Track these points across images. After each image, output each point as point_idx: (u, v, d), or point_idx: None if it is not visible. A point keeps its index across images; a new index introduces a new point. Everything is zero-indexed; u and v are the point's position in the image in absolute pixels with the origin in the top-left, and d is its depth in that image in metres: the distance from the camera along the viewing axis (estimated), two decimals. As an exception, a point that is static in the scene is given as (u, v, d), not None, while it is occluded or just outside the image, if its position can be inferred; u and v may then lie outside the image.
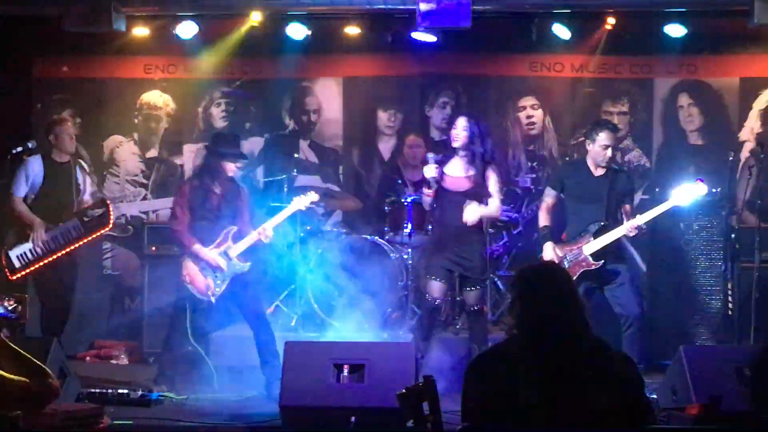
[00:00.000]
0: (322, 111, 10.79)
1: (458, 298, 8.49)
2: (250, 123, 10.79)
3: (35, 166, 8.48)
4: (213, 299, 7.92)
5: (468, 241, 7.72)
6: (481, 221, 7.79)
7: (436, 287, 7.68)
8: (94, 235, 8.56)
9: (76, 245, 8.47)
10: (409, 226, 9.20)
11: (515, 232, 10.06)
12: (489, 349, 3.84)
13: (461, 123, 7.71)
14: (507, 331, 3.80)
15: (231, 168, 8.03)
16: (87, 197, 8.73)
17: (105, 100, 10.71)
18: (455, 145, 7.69)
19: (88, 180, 8.89)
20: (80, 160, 8.92)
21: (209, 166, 8.06)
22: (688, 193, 7.76)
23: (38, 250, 8.31)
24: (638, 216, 7.73)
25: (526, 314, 3.72)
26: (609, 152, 7.77)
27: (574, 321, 3.71)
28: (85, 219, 8.47)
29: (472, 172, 7.68)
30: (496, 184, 7.74)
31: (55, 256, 8.36)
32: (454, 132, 7.73)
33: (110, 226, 8.62)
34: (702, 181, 7.88)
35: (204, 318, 8.05)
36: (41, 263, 8.35)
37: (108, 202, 8.74)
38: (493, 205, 7.76)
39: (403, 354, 6.87)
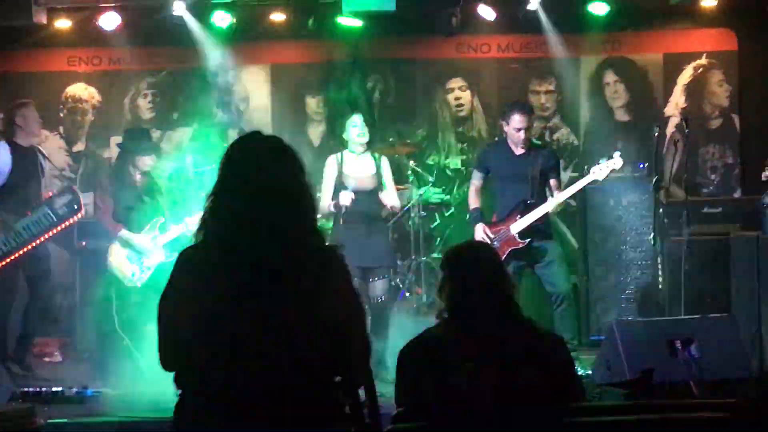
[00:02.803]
0: (249, 99, 10.72)
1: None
2: (178, 113, 10.69)
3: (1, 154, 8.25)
4: (138, 284, 7.89)
5: (374, 233, 7.74)
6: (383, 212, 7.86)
7: None
8: (66, 223, 8.31)
9: (49, 234, 8.23)
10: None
11: (447, 213, 10.10)
12: (421, 333, 3.80)
13: (360, 124, 7.71)
14: (437, 314, 3.77)
15: (146, 162, 8.03)
16: (50, 183, 8.57)
17: (29, 94, 10.53)
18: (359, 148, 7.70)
19: (48, 165, 8.74)
20: (38, 146, 8.74)
21: (125, 161, 8.07)
22: (605, 167, 7.83)
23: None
24: (557, 194, 7.79)
25: (453, 295, 3.70)
26: (523, 134, 7.79)
27: (502, 301, 3.68)
28: (56, 207, 8.24)
29: (373, 169, 7.72)
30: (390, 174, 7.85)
31: (28, 247, 8.12)
32: (355, 129, 7.74)
33: (83, 212, 8.39)
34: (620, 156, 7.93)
35: (135, 309, 7.97)
36: (15, 255, 8.11)
37: (74, 188, 8.58)
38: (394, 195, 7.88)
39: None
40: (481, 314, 3.62)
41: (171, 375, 3.22)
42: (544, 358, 3.55)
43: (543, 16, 9.88)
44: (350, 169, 7.71)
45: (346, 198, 7.56)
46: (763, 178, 6.34)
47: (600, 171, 7.82)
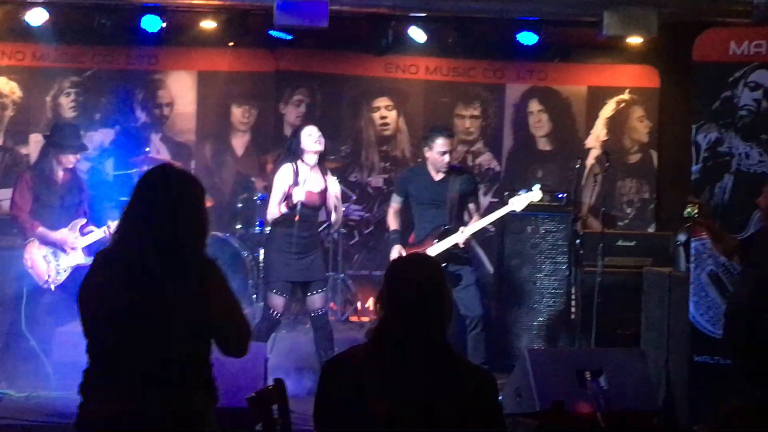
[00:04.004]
0: (174, 104, 10.65)
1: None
2: (100, 114, 10.56)
3: None
4: (52, 287, 7.76)
5: (312, 249, 7.74)
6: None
7: (279, 302, 7.64)
8: None
9: None
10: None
11: (367, 231, 10.13)
12: (345, 351, 3.68)
13: (316, 134, 7.66)
14: (366, 332, 3.67)
15: (70, 159, 7.89)
16: None
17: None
18: (313, 158, 7.65)
19: None
20: None
21: (48, 156, 7.90)
22: (524, 199, 7.90)
23: None
24: (471, 224, 7.83)
25: (384, 312, 3.57)
26: (446, 158, 7.83)
27: (432, 327, 3.55)
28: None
29: (322, 186, 7.70)
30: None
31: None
32: (310, 139, 7.67)
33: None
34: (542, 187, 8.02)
35: (45, 311, 7.85)
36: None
37: None
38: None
39: (254, 355, 6.80)
40: (408, 338, 3.49)
41: (75, 379, 3.87)
42: (469, 391, 3.46)
43: (472, 42, 9.96)
44: (303, 183, 7.62)
45: (300, 193, 7.48)
46: (685, 215, 6.46)
47: (518, 202, 7.87)
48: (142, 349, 3.76)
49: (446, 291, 3.64)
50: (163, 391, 3.77)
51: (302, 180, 7.52)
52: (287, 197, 7.49)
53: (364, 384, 3.44)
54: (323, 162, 7.67)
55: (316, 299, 7.72)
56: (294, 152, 7.61)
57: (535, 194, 7.88)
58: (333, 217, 7.79)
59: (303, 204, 7.47)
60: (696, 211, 6.40)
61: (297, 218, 7.44)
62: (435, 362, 3.48)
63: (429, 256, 3.77)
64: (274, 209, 7.60)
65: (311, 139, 7.60)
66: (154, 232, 3.83)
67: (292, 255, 7.53)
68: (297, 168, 7.57)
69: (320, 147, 7.60)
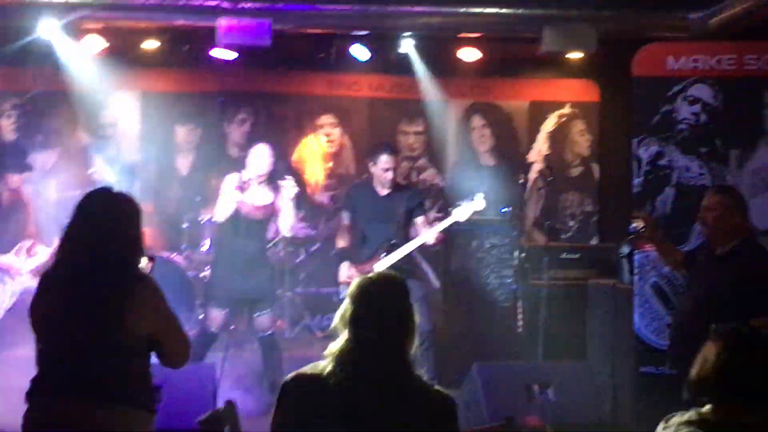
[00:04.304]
0: (118, 125, 10.59)
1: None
2: (42, 136, 10.47)
3: None
4: (1, 313, 7.69)
5: (258, 265, 7.74)
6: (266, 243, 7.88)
7: (217, 316, 7.63)
8: None
9: None
10: (207, 243, 9.12)
11: (313, 248, 10.14)
12: (305, 369, 3.59)
13: (265, 153, 7.69)
14: (326, 353, 3.55)
15: (15, 180, 7.82)
16: None
17: None
18: (258, 173, 7.65)
19: None
20: None
21: None
22: (467, 208, 7.96)
23: None
24: (422, 235, 7.89)
25: (349, 334, 3.52)
26: (390, 174, 7.89)
27: (396, 349, 3.51)
28: None
29: (269, 201, 7.71)
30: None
31: None
32: (261, 159, 7.69)
33: None
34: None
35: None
36: None
37: None
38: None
39: (204, 375, 6.79)
40: (370, 360, 3.44)
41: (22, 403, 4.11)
42: (429, 416, 3.44)
43: (415, 59, 10.03)
44: (247, 197, 7.63)
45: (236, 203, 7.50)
46: (631, 229, 6.54)
47: (462, 212, 7.93)
48: (74, 363, 3.98)
49: (411, 313, 3.58)
50: (92, 403, 3.96)
51: (248, 191, 7.55)
52: (232, 206, 7.51)
53: (323, 404, 3.42)
54: (274, 179, 7.68)
55: (262, 320, 7.73)
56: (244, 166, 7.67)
57: (478, 203, 7.94)
58: (281, 224, 7.77)
59: (247, 215, 7.49)
60: (642, 225, 6.49)
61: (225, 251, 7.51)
62: (396, 385, 3.45)
63: (395, 276, 3.71)
64: (218, 215, 7.61)
65: (259, 158, 7.63)
66: (87, 252, 4.06)
67: (237, 271, 7.53)
68: (243, 179, 7.59)
69: (267, 167, 7.63)
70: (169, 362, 4.25)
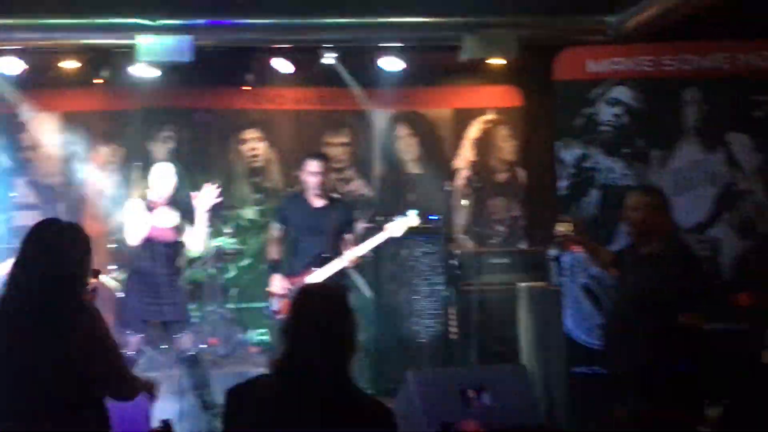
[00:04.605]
0: (39, 147, 10.44)
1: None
2: (-39, 161, 10.31)
3: None
4: None
5: (170, 287, 7.68)
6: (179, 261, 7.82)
7: (133, 341, 7.57)
8: None
9: None
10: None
11: (243, 264, 10.09)
12: (250, 380, 3.61)
13: (166, 171, 7.65)
14: (269, 364, 3.61)
15: None
16: None
17: None
18: (161, 194, 7.62)
19: None
20: None
21: None
22: (401, 224, 8.00)
23: None
24: (355, 249, 7.90)
25: (287, 340, 3.53)
26: (317, 179, 7.90)
27: (338, 360, 3.52)
28: None
29: (178, 221, 7.66)
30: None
31: None
32: (163, 180, 7.62)
33: None
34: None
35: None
36: None
37: None
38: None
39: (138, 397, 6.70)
40: (311, 371, 3.44)
41: None
42: (368, 427, 3.45)
43: (338, 70, 10.03)
44: (155, 219, 7.58)
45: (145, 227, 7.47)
46: (559, 233, 6.61)
47: (396, 228, 7.97)
48: (19, 393, 4.02)
49: (353, 324, 3.59)
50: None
51: (155, 213, 7.50)
52: (145, 228, 7.47)
53: (265, 415, 3.42)
54: (179, 199, 7.65)
55: (182, 341, 7.67)
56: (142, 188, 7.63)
57: (412, 219, 7.98)
58: (191, 243, 7.74)
59: (155, 238, 7.47)
60: (570, 228, 6.56)
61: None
62: (336, 397, 3.45)
63: (336, 287, 3.71)
64: (131, 238, 7.56)
65: (162, 178, 7.59)
66: (31, 280, 4.14)
67: (149, 295, 7.49)
68: (145, 205, 7.55)
69: (170, 187, 7.58)
70: (116, 394, 4.30)
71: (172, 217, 7.59)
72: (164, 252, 7.55)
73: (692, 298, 5.93)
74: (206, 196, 7.62)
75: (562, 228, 6.55)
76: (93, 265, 4.35)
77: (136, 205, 7.56)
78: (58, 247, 4.21)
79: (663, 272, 6.01)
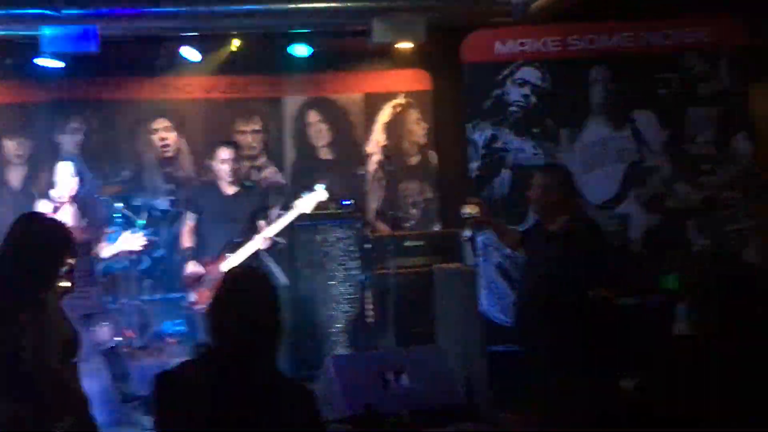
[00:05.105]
0: (-57, 142, 10.24)
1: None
2: None
3: None
4: None
5: (84, 282, 7.59)
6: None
7: None
8: None
9: None
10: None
11: (157, 254, 10.01)
12: (176, 366, 3.59)
13: (66, 170, 7.59)
14: (194, 348, 3.59)
15: None
16: None
17: None
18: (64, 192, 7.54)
19: None
20: None
21: None
22: (310, 199, 8.00)
23: None
24: (267, 228, 7.90)
25: (212, 323, 3.52)
26: (227, 166, 7.91)
27: (263, 345, 3.50)
28: None
29: (83, 222, 7.58)
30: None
31: None
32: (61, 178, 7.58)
33: None
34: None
35: None
36: None
37: None
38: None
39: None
40: (236, 355, 3.45)
41: None
42: (292, 410, 3.44)
43: (248, 58, 9.99)
44: (61, 218, 7.46)
45: None
46: (465, 215, 6.70)
47: (305, 204, 7.97)
48: None
49: (279, 308, 3.57)
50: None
51: (60, 212, 7.44)
52: None
53: (195, 401, 3.41)
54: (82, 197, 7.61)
55: (99, 334, 7.62)
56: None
57: (320, 193, 7.99)
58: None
59: None
60: (476, 210, 6.65)
61: None
62: (262, 383, 3.46)
63: (261, 272, 3.70)
64: None
65: (63, 176, 7.54)
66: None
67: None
68: (52, 200, 7.51)
69: (73, 185, 7.51)
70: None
71: (77, 217, 7.52)
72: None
73: (600, 273, 6.06)
74: (132, 242, 7.62)
75: (468, 209, 6.64)
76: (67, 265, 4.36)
77: (42, 206, 7.49)
78: (16, 239, 4.29)
79: (570, 249, 6.14)
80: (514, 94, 7.82)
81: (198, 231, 8.04)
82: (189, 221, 8.07)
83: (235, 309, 3.52)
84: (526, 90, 7.80)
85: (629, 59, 7.77)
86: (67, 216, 7.45)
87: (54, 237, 4.37)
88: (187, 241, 8.04)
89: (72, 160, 7.81)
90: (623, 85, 7.76)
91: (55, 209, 7.45)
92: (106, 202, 9.49)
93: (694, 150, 7.70)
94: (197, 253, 7.96)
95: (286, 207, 10.27)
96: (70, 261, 4.38)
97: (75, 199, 7.58)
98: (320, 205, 8.12)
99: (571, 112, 7.79)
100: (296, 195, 8.18)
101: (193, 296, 7.75)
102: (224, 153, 7.89)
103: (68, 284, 4.40)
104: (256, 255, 7.92)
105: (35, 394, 4.09)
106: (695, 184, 7.64)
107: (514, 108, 7.81)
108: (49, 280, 4.29)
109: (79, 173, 7.62)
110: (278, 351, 3.54)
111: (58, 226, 4.46)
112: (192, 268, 7.82)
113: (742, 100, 7.76)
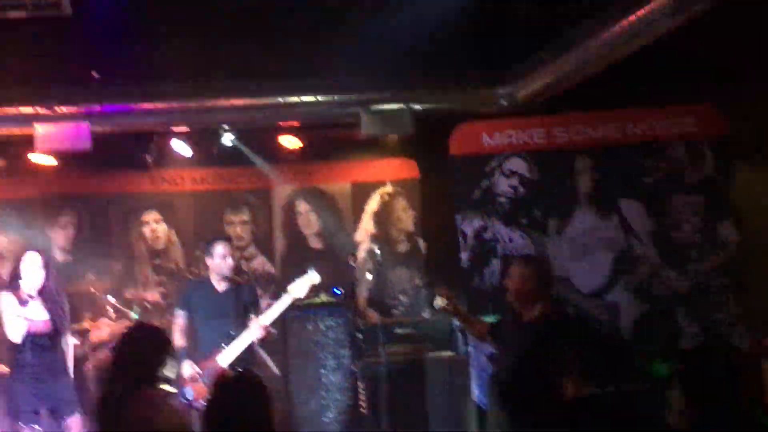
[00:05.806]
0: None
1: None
2: None
3: None
4: None
5: (53, 376, 7.65)
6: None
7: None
8: None
9: None
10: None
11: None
12: None
13: (36, 260, 7.66)
14: None
15: None
16: None
17: None
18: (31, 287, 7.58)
19: None
20: None
21: None
22: (303, 283, 8.02)
23: None
24: (261, 316, 7.91)
25: None
26: (229, 261, 7.95)
27: None
28: None
29: (47, 315, 7.63)
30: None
31: None
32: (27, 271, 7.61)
33: None
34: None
35: None
36: None
37: None
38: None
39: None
40: None
41: None
42: None
43: (237, 150, 10.08)
44: (29, 312, 7.54)
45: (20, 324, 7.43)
46: (435, 306, 6.77)
47: (298, 288, 7.98)
48: None
49: (272, 412, 3.63)
50: None
51: (22, 316, 7.48)
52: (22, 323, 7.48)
53: None
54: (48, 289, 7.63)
55: (70, 424, 7.64)
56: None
57: (312, 276, 8.01)
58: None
59: (34, 332, 7.49)
60: (446, 301, 6.70)
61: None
62: None
63: (255, 379, 3.71)
64: (11, 335, 7.55)
65: (29, 268, 7.58)
66: None
67: (33, 385, 7.50)
68: (18, 297, 7.52)
69: (39, 279, 7.56)
70: None
71: (43, 312, 7.57)
72: (43, 344, 7.57)
73: (571, 363, 6.09)
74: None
75: (438, 301, 6.70)
76: None
77: (8, 300, 7.53)
78: None
79: (542, 338, 6.17)
80: (503, 184, 7.94)
81: (190, 328, 8.02)
82: (178, 319, 8.04)
83: (230, 417, 3.57)
84: (514, 181, 7.92)
85: (614, 149, 7.90)
86: (35, 312, 7.51)
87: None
88: (179, 339, 7.99)
89: (39, 252, 7.81)
90: (609, 175, 7.87)
91: (23, 303, 7.46)
92: (94, 296, 9.52)
93: (681, 237, 7.79)
94: (191, 352, 7.94)
95: (278, 295, 10.36)
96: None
97: (42, 291, 7.60)
98: (311, 295, 8.15)
99: (559, 202, 7.89)
100: (288, 281, 8.19)
101: (190, 393, 7.71)
102: (221, 248, 7.92)
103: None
104: (249, 346, 7.92)
105: None
106: (683, 272, 7.73)
107: (502, 198, 7.92)
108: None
109: (46, 265, 7.64)
110: None
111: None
112: (188, 370, 7.78)
113: (726, 188, 7.87)
